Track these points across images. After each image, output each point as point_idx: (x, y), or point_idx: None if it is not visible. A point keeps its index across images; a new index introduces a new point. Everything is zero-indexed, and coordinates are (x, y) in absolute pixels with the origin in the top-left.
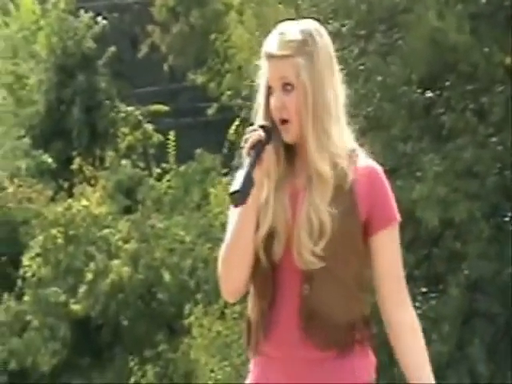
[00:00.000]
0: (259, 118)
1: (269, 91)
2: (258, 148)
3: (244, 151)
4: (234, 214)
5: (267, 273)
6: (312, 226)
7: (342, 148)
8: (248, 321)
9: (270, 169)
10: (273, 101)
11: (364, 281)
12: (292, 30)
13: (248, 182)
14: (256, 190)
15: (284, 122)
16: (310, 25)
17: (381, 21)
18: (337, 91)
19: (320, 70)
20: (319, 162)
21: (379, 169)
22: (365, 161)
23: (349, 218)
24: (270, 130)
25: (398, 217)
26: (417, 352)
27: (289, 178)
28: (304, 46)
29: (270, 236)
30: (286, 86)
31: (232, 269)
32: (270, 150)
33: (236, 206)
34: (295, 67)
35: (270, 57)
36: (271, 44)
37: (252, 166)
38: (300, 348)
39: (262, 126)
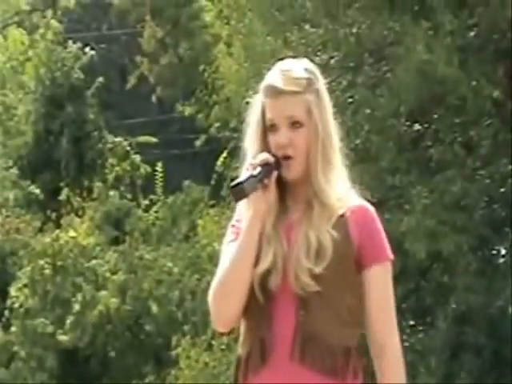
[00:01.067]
0: (252, 156)
1: (269, 128)
2: (266, 169)
3: (249, 165)
4: (228, 245)
5: (263, 306)
6: (310, 246)
7: (343, 182)
8: (238, 357)
9: (272, 200)
10: (276, 138)
11: (356, 312)
12: (296, 67)
13: (252, 181)
14: (259, 219)
15: (286, 158)
16: (309, 63)
17: (369, 53)
18: (335, 125)
19: (326, 106)
20: (326, 194)
21: (371, 209)
22: (357, 200)
23: (344, 246)
24: (280, 160)
25: (391, 255)
26: None
27: (282, 216)
28: (311, 84)
29: (266, 273)
30: (295, 124)
31: (228, 298)
32: (273, 177)
33: (236, 199)
34: (306, 104)
35: (277, 93)
36: (277, 80)
37: (260, 175)
38: (295, 375)
39: (273, 155)
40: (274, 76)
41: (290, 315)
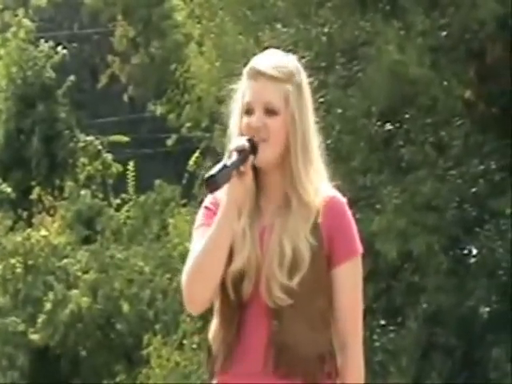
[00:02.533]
0: (235, 139)
1: (245, 112)
2: (242, 155)
3: (227, 152)
4: (200, 232)
5: (234, 308)
6: (284, 257)
7: (321, 180)
8: (209, 350)
9: (249, 185)
10: (251, 120)
11: (328, 313)
12: (282, 58)
13: (225, 173)
14: (235, 205)
15: (259, 141)
16: (294, 58)
17: (341, 53)
18: (315, 127)
19: (306, 102)
20: (306, 191)
21: (342, 200)
22: (329, 191)
23: (319, 252)
24: (254, 144)
25: (361, 249)
26: None
27: (256, 215)
28: (294, 76)
29: (240, 277)
30: (269, 111)
31: (199, 285)
32: (249, 164)
33: (210, 191)
34: (284, 93)
35: (259, 75)
36: (261, 63)
37: (233, 165)
38: (266, 380)
39: (248, 139)
40: (258, 59)
41: (261, 325)
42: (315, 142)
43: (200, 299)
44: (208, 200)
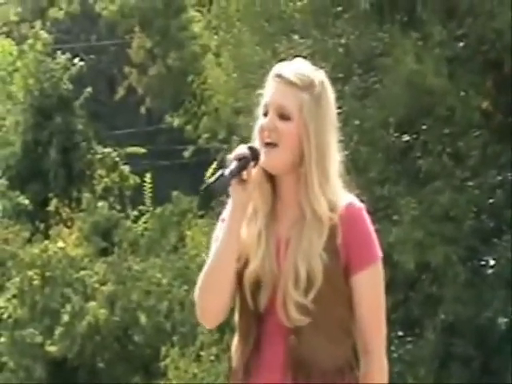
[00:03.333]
0: (237, 148)
1: (263, 113)
2: (241, 162)
3: (228, 161)
4: (216, 240)
5: (252, 320)
6: (298, 277)
7: (337, 195)
8: (230, 363)
9: (252, 193)
10: (263, 121)
11: (349, 327)
12: (307, 68)
13: (222, 181)
14: (241, 213)
15: (269, 144)
16: (323, 73)
17: (358, 64)
18: (335, 145)
19: (324, 115)
20: (320, 205)
21: (360, 205)
22: (346, 198)
23: (335, 265)
24: (257, 152)
25: (380, 254)
26: None
27: (273, 223)
28: (313, 86)
29: (256, 283)
30: (283, 116)
31: (210, 294)
32: (252, 170)
33: (208, 199)
34: (298, 101)
35: (278, 78)
36: (284, 68)
37: (231, 173)
38: None
39: (249, 147)
40: (284, 65)
41: (279, 339)
42: (333, 156)
43: (212, 311)
44: (225, 213)
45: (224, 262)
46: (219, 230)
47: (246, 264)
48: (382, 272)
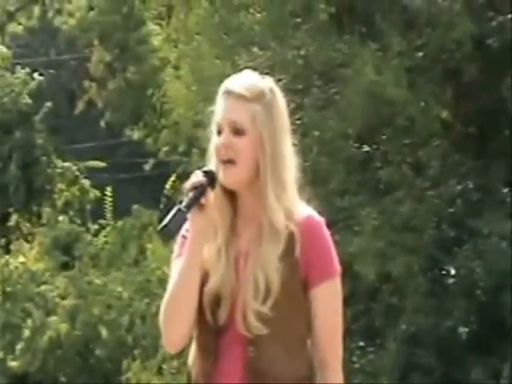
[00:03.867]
0: (191, 177)
1: (217, 132)
2: (198, 191)
3: (184, 191)
4: (175, 264)
5: (210, 334)
6: (258, 287)
7: (293, 204)
8: (189, 376)
9: (212, 215)
10: (219, 139)
11: (305, 340)
12: (254, 78)
13: (179, 218)
14: (201, 239)
15: (226, 162)
16: (270, 80)
17: (318, 75)
18: (290, 151)
19: (277, 123)
20: (276, 216)
21: (319, 219)
22: (304, 210)
23: (292, 276)
24: (214, 176)
25: (339, 268)
26: None
27: (233, 238)
28: (264, 96)
29: (216, 299)
30: (237, 131)
31: (174, 319)
32: (210, 195)
33: (165, 240)
34: (251, 113)
35: (228, 94)
36: (233, 83)
37: (188, 206)
38: None
39: (205, 172)
40: (231, 80)
41: (237, 352)
42: (288, 164)
43: (177, 337)
44: (184, 228)
45: (187, 289)
46: (178, 248)
47: (205, 280)
48: (340, 287)
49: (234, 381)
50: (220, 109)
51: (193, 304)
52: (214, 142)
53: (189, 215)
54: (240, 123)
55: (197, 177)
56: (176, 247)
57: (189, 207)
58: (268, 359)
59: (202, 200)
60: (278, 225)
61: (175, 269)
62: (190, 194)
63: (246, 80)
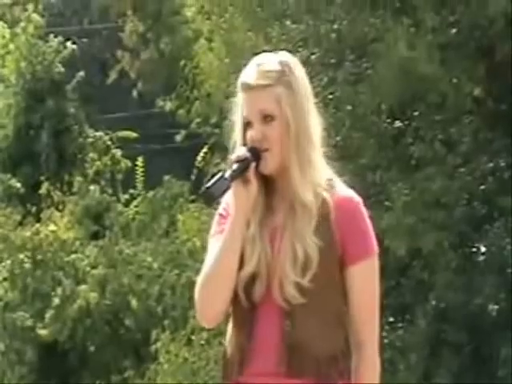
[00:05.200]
0: (237, 150)
1: (245, 126)
2: (242, 164)
3: (228, 163)
4: (214, 241)
5: (246, 310)
6: (296, 257)
7: (322, 177)
8: (224, 352)
9: (255, 192)
10: (250, 133)
11: (343, 316)
12: (269, 60)
13: (221, 184)
14: (242, 213)
15: (262, 151)
16: (286, 56)
17: (350, 49)
18: (315, 120)
19: (300, 99)
20: (304, 191)
21: (358, 199)
22: (343, 190)
23: (329, 251)
24: (258, 153)
25: (376, 249)
26: None
27: (268, 216)
28: (283, 76)
29: (251, 278)
30: (266, 118)
31: (213, 295)
32: (253, 168)
33: (207, 203)
34: (275, 97)
35: (248, 88)
36: (249, 75)
37: (232, 176)
38: (280, 380)
39: (249, 148)
40: (247, 71)
41: (274, 325)
42: (314, 138)
43: (213, 311)
44: (221, 206)
45: (227, 266)
46: (216, 226)
47: (240, 266)
48: (377, 267)
49: (270, 355)
50: (244, 103)
51: (232, 278)
52: (248, 135)
53: (232, 186)
54: (268, 110)
55: (241, 151)
56: (214, 225)
57: (232, 178)
58: (304, 333)
59: (247, 175)
60: (306, 201)
61: (213, 246)
62: (235, 166)
63: (261, 67)
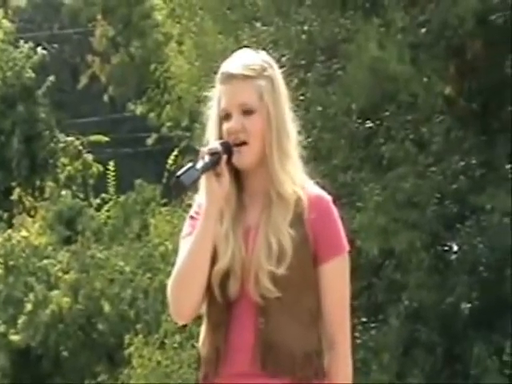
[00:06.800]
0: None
1: (223, 118)
2: (214, 157)
3: (200, 155)
4: (185, 242)
5: (222, 308)
6: (271, 248)
7: (299, 174)
8: (199, 354)
9: (227, 185)
10: (229, 124)
11: (316, 315)
12: (251, 55)
13: (192, 174)
14: (215, 207)
15: (239, 144)
16: (265, 54)
17: (321, 51)
18: (293, 119)
19: (280, 94)
20: (283, 184)
21: (328, 198)
22: (314, 189)
23: (303, 246)
24: (230, 147)
25: (347, 247)
26: None
27: (241, 214)
28: (265, 71)
29: (225, 274)
30: (247, 110)
31: (186, 292)
32: (224, 162)
33: (176, 192)
34: (258, 89)
35: (231, 78)
36: (231, 66)
37: (203, 168)
38: (255, 380)
39: (222, 143)
40: (229, 63)
41: (248, 323)
42: (291, 134)
43: (186, 307)
44: (193, 209)
45: (199, 260)
46: (187, 228)
47: (214, 259)
48: (348, 264)
49: (246, 355)
50: (224, 94)
51: (204, 276)
52: (225, 127)
53: (204, 179)
54: (249, 103)
55: (214, 144)
56: (185, 227)
57: (203, 169)
58: (279, 331)
59: (218, 168)
60: (285, 193)
61: (184, 247)
62: (206, 158)
63: (243, 60)
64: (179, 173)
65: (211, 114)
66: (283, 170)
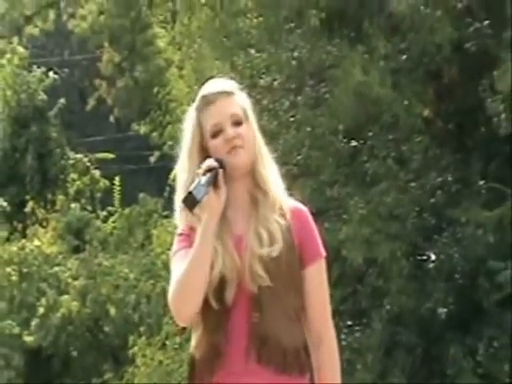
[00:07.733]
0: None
1: (213, 135)
2: (213, 172)
3: (199, 173)
4: (177, 257)
5: (220, 314)
6: (261, 237)
7: (281, 182)
8: (192, 358)
9: (224, 197)
10: (222, 135)
11: (299, 312)
12: (223, 80)
13: (200, 190)
14: (215, 219)
15: (235, 147)
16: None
17: (310, 76)
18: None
19: (251, 110)
20: (269, 184)
21: (305, 208)
22: (292, 201)
23: (291, 250)
24: (221, 161)
25: (324, 252)
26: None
27: (226, 225)
28: (239, 90)
29: (220, 283)
30: (237, 122)
31: (189, 298)
32: (221, 175)
33: (189, 209)
34: (241, 104)
35: (216, 96)
36: (212, 88)
37: (209, 182)
38: (251, 375)
39: (215, 159)
40: (208, 88)
41: (243, 318)
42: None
43: (189, 314)
44: (179, 229)
45: (201, 271)
46: (178, 244)
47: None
48: (325, 269)
49: (242, 349)
50: (211, 113)
51: (205, 280)
52: (217, 142)
53: (207, 191)
54: (238, 114)
55: (210, 161)
56: (175, 244)
57: (208, 184)
58: (272, 325)
59: (218, 181)
60: (270, 191)
61: (178, 259)
62: (208, 174)
63: (219, 83)
64: (191, 188)
65: (187, 141)
66: (270, 174)
